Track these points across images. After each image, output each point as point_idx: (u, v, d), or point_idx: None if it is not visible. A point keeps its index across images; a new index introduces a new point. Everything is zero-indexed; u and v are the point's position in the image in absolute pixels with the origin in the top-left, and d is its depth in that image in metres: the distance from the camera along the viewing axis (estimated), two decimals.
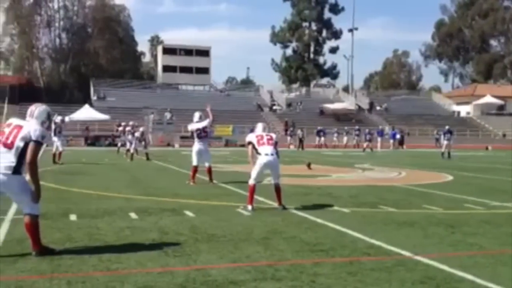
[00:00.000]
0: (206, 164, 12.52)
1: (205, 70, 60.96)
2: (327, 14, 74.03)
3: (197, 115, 12.72)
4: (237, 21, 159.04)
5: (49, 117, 5.52)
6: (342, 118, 51.56)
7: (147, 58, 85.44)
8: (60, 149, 18.72)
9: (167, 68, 60.30)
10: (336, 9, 73.48)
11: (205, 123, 12.50)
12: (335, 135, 42.25)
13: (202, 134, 12.46)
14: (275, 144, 8.76)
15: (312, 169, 16.82)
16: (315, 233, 6.72)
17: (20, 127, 5.22)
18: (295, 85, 73.90)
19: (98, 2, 69.31)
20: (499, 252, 5.87)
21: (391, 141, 38.54)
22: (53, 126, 19.08)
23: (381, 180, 14.20)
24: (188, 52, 60.63)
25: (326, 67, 76.65)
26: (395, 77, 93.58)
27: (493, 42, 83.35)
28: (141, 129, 23.35)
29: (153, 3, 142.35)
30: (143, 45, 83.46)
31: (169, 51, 61.39)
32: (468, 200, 10.08)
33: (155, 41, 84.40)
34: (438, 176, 15.41)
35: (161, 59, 61.76)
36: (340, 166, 19.56)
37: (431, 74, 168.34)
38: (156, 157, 22.53)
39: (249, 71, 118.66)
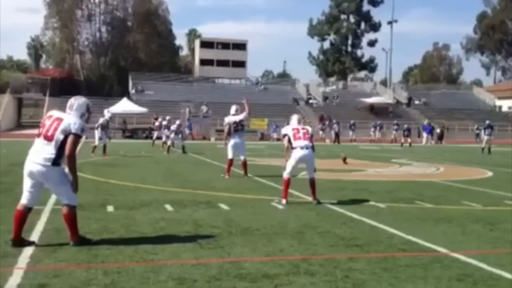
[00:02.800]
0: (242, 157, 12.54)
1: (241, 64, 61.12)
2: (366, 6, 73.00)
3: (233, 108, 12.63)
4: (274, 14, 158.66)
5: (88, 110, 5.55)
6: (379, 112, 50.85)
7: (184, 52, 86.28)
8: (105, 141, 19.60)
9: (204, 62, 60.72)
10: (375, 1, 72.29)
11: (241, 116, 12.47)
12: (372, 129, 41.73)
13: (239, 127, 12.42)
14: (311, 138, 8.72)
15: (347, 163, 16.67)
16: (350, 228, 6.66)
17: (60, 120, 5.32)
18: (332, 79, 73.26)
19: None
20: None
21: (425, 135, 37.70)
22: (100, 121, 19.75)
23: (418, 176, 13.96)
24: (225, 45, 60.90)
25: (363, 60, 75.63)
26: (435, 70, 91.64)
27: None
28: (177, 121, 23.58)
29: None
30: (180, 39, 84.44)
31: (206, 44, 61.81)
32: (508, 197, 9.81)
33: (192, 34, 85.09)
34: (478, 172, 15.04)
35: (198, 53, 62.24)
36: (376, 160, 19.31)
37: (472, 68, 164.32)
38: (192, 150, 22.74)
39: (285, 64, 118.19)
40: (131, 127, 40.74)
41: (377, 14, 74.24)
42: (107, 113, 20.31)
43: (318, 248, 5.58)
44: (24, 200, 5.41)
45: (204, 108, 44.69)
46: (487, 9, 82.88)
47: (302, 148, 8.50)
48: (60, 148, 5.23)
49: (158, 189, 10.07)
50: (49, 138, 5.27)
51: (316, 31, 74.96)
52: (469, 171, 15.58)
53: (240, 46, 61.52)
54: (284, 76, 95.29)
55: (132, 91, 52.91)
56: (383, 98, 55.35)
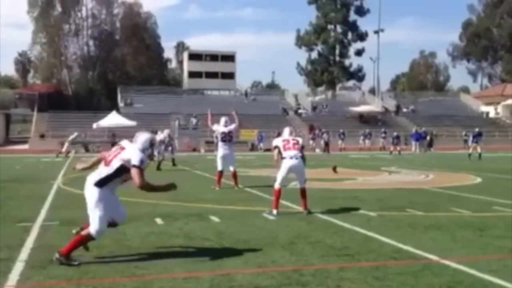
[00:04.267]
0: (231, 169, 12.51)
1: (230, 75, 61.24)
2: (352, 16, 73.46)
3: (223, 120, 12.64)
4: (262, 25, 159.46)
5: (151, 146, 5.72)
6: (368, 120, 51.10)
7: (173, 64, 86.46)
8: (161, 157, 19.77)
9: (192, 74, 60.77)
10: (361, 11, 72.87)
11: (231, 127, 12.46)
12: (361, 138, 41.91)
13: (227, 137, 12.41)
14: (301, 148, 8.76)
15: (338, 172, 16.72)
16: (341, 238, 6.68)
17: (123, 149, 5.54)
18: (320, 88, 73.57)
19: (126, 10, 70.44)
20: None
21: (413, 143, 37.88)
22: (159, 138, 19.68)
23: (408, 183, 14.03)
24: (213, 57, 61.03)
25: (351, 69, 76.01)
26: (422, 78, 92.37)
27: None
28: (165, 131, 23.52)
29: (178, 9, 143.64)
30: (169, 52, 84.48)
31: (194, 57, 61.90)
32: (497, 203, 9.88)
33: (180, 47, 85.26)
34: (467, 178, 15.15)
35: (187, 65, 62.30)
36: (366, 169, 19.38)
37: (459, 75, 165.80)
38: (181, 163, 22.68)
39: (274, 75, 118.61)
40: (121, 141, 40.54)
41: (363, 23, 74.90)
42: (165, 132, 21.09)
43: (309, 258, 5.59)
44: (92, 226, 5.43)
45: (193, 120, 44.67)
46: (472, 16, 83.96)
47: (291, 158, 8.55)
48: (111, 174, 5.38)
49: (148, 203, 10.01)
50: (107, 163, 5.47)
51: (304, 41, 75.34)
52: (458, 177, 15.68)
53: (229, 57, 61.69)
54: (273, 86, 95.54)
55: (120, 104, 52.79)
56: (372, 106, 55.65)
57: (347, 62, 75.80)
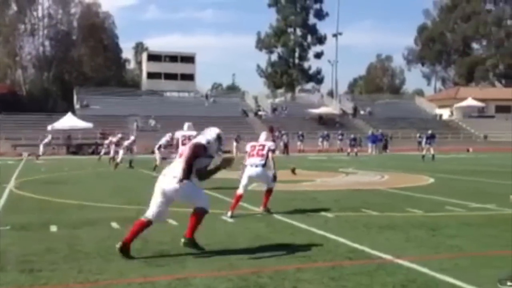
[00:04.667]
0: None
1: (190, 77, 60.91)
2: (312, 20, 74.42)
3: (186, 125, 12.80)
4: (222, 27, 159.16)
5: (219, 139, 6.11)
6: (327, 122, 51.75)
7: (131, 65, 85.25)
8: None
9: (151, 75, 60.13)
10: (320, 15, 73.85)
11: (194, 132, 12.39)
12: (320, 139, 42.40)
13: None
14: (269, 152, 8.84)
15: (296, 174, 16.85)
16: (298, 239, 6.73)
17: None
18: (280, 91, 74.05)
19: (83, 10, 69.10)
20: (479, 254, 5.93)
21: (370, 145, 38.59)
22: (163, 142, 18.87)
23: (364, 184, 14.27)
24: (172, 58, 60.55)
25: (311, 72, 76.90)
26: (378, 81, 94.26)
27: (475, 45, 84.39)
28: (132, 137, 23.58)
29: (138, 10, 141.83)
30: (127, 52, 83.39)
31: (153, 57, 61.27)
32: (449, 203, 10.16)
33: (139, 48, 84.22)
34: (420, 179, 15.53)
35: (146, 66, 61.61)
36: (324, 170, 19.62)
37: (414, 78, 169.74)
38: (140, 165, 22.37)
39: (234, 77, 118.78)
40: (76, 143, 39.76)
41: (323, 27, 75.90)
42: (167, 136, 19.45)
43: (267, 260, 5.60)
44: (149, 214, 5.91)
45: (152, 122, 44.18)
46: (427, 21, 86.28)
47: (251, 166, 8.70)
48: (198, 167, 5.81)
49: (104, 206, 9.86)
50: (180, 156, 6.14)
51: (264, 44, 75.74)
52: (412, 178, 16.06)
53: (189, 59, 61.33)
54: (233, 88, 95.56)
55: (77, 106, 51.69)
56: (330, 108, 56.40)
57: (306, 64, 76.73)
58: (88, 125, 41.67)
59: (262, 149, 8.83)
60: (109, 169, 20.80)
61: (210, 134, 6.12)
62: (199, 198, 5.98)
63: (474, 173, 17.80)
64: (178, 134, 12.72)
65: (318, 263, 5.46)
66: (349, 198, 11.03)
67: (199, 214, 6.00)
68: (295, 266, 5.30)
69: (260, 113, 54.50)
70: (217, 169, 6.08)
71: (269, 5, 74.64)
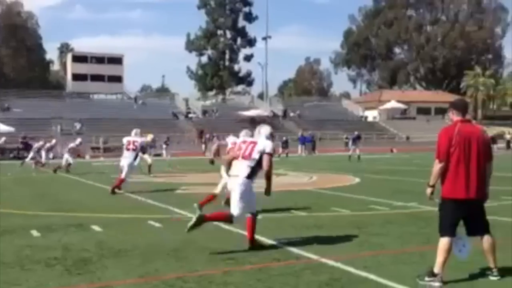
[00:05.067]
0: (122, 176, 12.67)
1: (117, 79, 59.48)
2: (241, 22, 74.84)
3: (134, 131, 13.39)
4: (151, 28, 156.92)
5: (272, 136, 6.63)
6: (257, 124, 52.10)
7: (56, 67, 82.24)
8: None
9: (77, 77, 58.20)
10: (250, 18, 74.42)
11: (139, 139, 13.20)
12: None
13: (130, 146, 12.84)
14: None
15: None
16: (227, 242, 6.70)
17: (254, 143, 6.47)
18: (211, 93, 73.89)
19: (4, 9, 65.88)
20: (401, 251, 6.15)
21: (299, 146, 39.30)
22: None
23: (293, 185, 14.47)
24: (99, 60, 58.92)
25: (241, 74, 77.32)
26: (307, 84, 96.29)
27: (397, 50, 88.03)
28: (53, 141, 22.83)
29: (62, 9, 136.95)
30: (52, 53, 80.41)
31: (79, 59, 59.36)
32: (374, 202, 10.49)
33: (65, 48, 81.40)
34: (347, 179, 15.95)
35: (71, 67, 59.58)
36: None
37: (341, 81, 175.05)
38: (63, 170, 21.53)
39: (164, 79, 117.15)
40: None
41: (252, 30, 76.27)
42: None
43: (194, 264, 5.54)
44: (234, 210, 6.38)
45: (77, 125, 42.74)
46: (353, 26, 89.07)
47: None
48: (255, 165, 6.36)
49: (24, 214, 9.39)
50: (246, 157, 6.41)
51: (194, 46, 75.35)
52: (339, 178, 16.47)
53: (116, 60, 59.89)
54: (163, 90, 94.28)
55: None
56: (261, 110, 56.88)
57: (236, 67, 77.08)
58: (10, 129, 39.72)
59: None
60: (32, 175, 19.89)
61: (267, 133, 6.58)
62: (248, 201, 6.46)
63: (397, 173, 18.50)
64: (124, 140, 13.28)
65: (246, 266, 5.46)
66: (279, 199, 11.08)
67: (252, 219, 6.48)
68: (222, 270, 5.27)
69: (190, 115, 54.11)
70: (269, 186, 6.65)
71: (198, 7, 74.40)
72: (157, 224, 8.07)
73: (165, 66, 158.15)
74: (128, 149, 12.85)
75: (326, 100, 73.24)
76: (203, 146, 40.40)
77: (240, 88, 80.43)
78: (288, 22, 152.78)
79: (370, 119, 61.64)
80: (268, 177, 6.52)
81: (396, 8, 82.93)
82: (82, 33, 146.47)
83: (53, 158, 22.14)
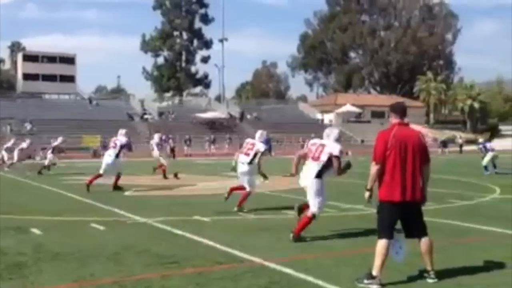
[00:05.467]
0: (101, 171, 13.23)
1: (70, 78, 58.17)
2: (197, 24, 74.41)
3: (120, 131, 13.72)
4: (107, 28, 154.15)
5: (339, 136, 7.00)
6: (214, 127, 51.96)
7: (7, 66, 79.65)
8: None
9: (28, 76, 56.61)
10: (206, 19, 74.10)
11: (123, 139, 13.33)
12: (207, 144, 42.44)
13: (111, 144, 13.42)
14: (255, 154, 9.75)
15: (179, 178, 16.65)
16: (170, 245, 6.60)
17: (323, 146, 6.91)
18: (168, 94, 73.14)
19: None
20: (344, 254, 6.19)
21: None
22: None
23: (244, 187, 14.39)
24: (51, 59, 57.48)
25: (198, 76, 76.89)
26: (264, 87, 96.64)
27: (353, 54, 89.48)
28: (28, 140, 22.60)
29: (13, 7, 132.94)
30: (3, 52, 78.08)
31: (30, 58, 57.80)
32: (326, 204, 10.48)
33: (16, 47, 78.99)
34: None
35: (22, 67, 57.93)
36: (208, 175, 19.58)
37: (298, 84, 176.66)
38: (7, 171, 20.81)
39: (120, 79, 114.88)
40: None
41: (209, 31, 75.90)
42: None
43: (133, 268, 5.41)
44: (313, 208, 6.99)
45: (27, 126, 41.49)
46: (309, 30, 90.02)
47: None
48: (324, 166, 6.88)
49: None
50: (316, 159, 6.88)
51: (149, 46, 74.41)
52: (291, 180, 16.26)
53: (68, 60, 58.55)
54: (118, 91, 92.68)
55: None
56: (218, 113, 56.72)
57: (193, 69, 76.62)
58: None
59: (251, 148, 9.47)
60: None
61: (336, 136, 7.01)
62: (317, 201, 7.02)
63: (350, 175, 18.65)
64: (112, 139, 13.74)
65: (186, 269, 5.37)
66: (228, 202, 11.02)
67: (310, 218, 6.95)
68: (161, 274, 5.16)
69: (146, 116, 53.41)
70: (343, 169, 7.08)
71: (154, 8, 73.54)
72: (100, 227, 7.87)
73: (121, 67, 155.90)
74: (109, 147, 13.53)
75: (283, 103, 73.70)
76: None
77: (197, 90, 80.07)
78: (245, 25, 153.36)
79: (326, 122, 62.38)
80: (341, 173, 7.11)
81: (350, 13, 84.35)
82: (35, 32, 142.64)
83: (29, 158, 21.82)
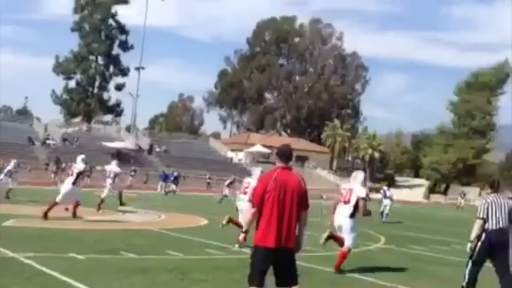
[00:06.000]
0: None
1: None
2: (116, 50, 72.93)
3: (78, 157, 14.07)
4: (19, 45, 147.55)
5: (365, 178, 8.35)
6: (122, 158, 50.50)
7: None
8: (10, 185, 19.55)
9: None
10: (125, 46, 72.85)
11: (81, 165, 13.71)
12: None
13: (69, 171, 14.25)
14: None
15: (68, 210, 15.79)
16: (32, 284, 6.15)
17: (352, 190, 8.32)
18: (76, 120, 70.42)
19: None
20: None
21: (160, 183, 38.31)
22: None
23: (137, 224, 13.95)
24: None
25: (110, 103, 74.95)
26: (178, 120, 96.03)
27: (268, 95, 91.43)
28: (12, 162, 21.39)
29: None
30: None
31: None
32: (212, 245, 10.35)
33: None
34: (196, 220, 15.75)
35: None
36: (103, 208, 18.73)
37: (213, 120, 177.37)
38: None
39: (27, 100, 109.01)
40: None
41: (127, 59, 74.48)
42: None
43: None
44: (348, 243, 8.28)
45: None
46: (228, 67, 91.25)
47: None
48: (354, 207, 8.24)
49: None
50: (346, 202, 8.31)
51: (62, 68, 71.77)
52: (188, 219, 16.23)
53: None
54: (24, 113, 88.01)
55: None
56: (126, 143, 55.34)
57: (106, 95, 74.66)
58: None
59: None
60: None
61: (362, 180, 8.64)
62: (352, 236, 8.27)
63: None
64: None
65: None
66: (113, 239, 10.58)
67: (347, 251, 8.25)
68: None
69: (48, 141, 51.00)
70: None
71: (72, 30, 71.46)
72: None
73: (30, 87, 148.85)
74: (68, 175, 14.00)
75: (195, 138, 73.45)
76: (53, 175, 38.02)
77: (108, 117, 77.78)
78: (165, 55, 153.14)
79: (235, 160, 62.74)
80: (366, 215, 8.41)
81: (269, 55, 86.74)
82: None
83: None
